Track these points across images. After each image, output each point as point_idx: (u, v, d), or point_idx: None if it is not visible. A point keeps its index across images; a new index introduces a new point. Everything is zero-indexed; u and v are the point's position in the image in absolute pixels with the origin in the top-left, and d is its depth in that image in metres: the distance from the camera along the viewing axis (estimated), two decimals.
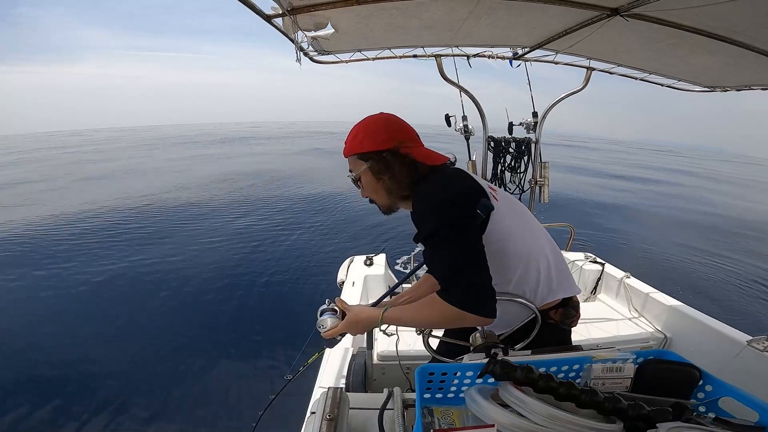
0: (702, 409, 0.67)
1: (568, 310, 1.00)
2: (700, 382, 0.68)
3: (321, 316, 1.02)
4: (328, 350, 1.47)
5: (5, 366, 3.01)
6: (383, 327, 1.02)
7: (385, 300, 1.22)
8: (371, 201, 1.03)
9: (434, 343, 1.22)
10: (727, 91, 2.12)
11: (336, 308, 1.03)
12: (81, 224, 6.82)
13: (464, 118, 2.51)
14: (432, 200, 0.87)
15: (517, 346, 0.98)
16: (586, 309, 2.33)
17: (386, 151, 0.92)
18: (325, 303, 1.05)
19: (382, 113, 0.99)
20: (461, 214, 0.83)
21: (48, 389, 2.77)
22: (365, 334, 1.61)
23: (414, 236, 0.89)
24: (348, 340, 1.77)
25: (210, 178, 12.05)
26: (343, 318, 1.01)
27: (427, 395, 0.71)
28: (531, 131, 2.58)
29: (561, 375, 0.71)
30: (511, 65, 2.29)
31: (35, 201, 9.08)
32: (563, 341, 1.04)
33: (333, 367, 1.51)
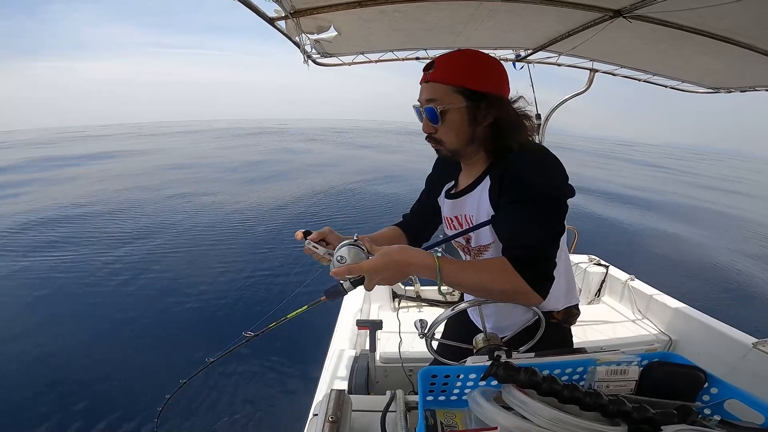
0: (707, 411, 0.66)
1: (570, 309, 1.01)
2: (706, 385, 0.67)
3: (341, 248, 0.80)
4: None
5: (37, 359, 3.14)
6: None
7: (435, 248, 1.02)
8: (432, 139, 0.86)
9: (437, 345, 1.22)
10: (731, 92, 2.11)
11: (363, 246, 0.80)
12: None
13: None
14: (557, 168, 0.80)
15: (522, 348, 0.98)
16: (590, 311, 2.32)
17: (502, 98, 0.82)
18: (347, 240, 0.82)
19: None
20: (568, 197, 0.80)
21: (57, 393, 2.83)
22: (368, 336, 1.60)
23: (509, 190, 0.78)
24: (350, 341, 1.75)
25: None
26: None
27: (429, 398, 0.71)
28: (535, 133, 2.57)
29: (565, 378, 0.71)
30: (515, 67, 2.29)
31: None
32: (565, 340, 1.05)
33: (336, 369, 1.51)
